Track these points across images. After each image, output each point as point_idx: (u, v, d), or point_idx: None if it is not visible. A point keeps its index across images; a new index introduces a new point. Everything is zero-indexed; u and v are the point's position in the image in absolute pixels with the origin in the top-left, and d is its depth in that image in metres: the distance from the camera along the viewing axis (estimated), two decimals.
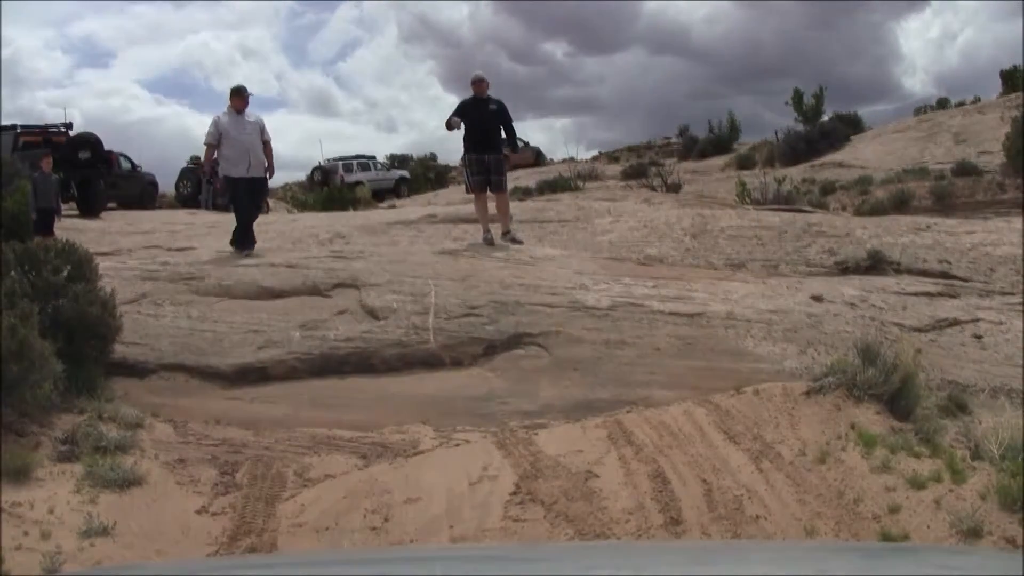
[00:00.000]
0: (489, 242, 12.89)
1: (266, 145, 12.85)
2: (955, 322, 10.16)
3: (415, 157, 61.08)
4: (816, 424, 7.20)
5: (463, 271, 10.90)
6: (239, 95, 12.82)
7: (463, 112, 12.98)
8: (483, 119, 12.97)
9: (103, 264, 12.34)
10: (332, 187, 38.38)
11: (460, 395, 8.69)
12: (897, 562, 2.70)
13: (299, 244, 15.54)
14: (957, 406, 8.17)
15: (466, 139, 13.07)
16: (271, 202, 43.21)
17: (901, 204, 20.36)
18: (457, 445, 7.75)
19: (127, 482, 6.74)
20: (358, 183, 40.88)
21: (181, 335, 9.55)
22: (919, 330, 9.85)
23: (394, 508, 6.47)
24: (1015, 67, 42.69)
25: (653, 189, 26.08)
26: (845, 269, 12.53)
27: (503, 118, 13.14)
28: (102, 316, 8.78)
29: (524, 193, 30.00)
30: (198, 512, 6.66)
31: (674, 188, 26.56)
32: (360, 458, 7.61)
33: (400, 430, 8.16)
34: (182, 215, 25.13)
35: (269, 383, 8.97)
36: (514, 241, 13.00)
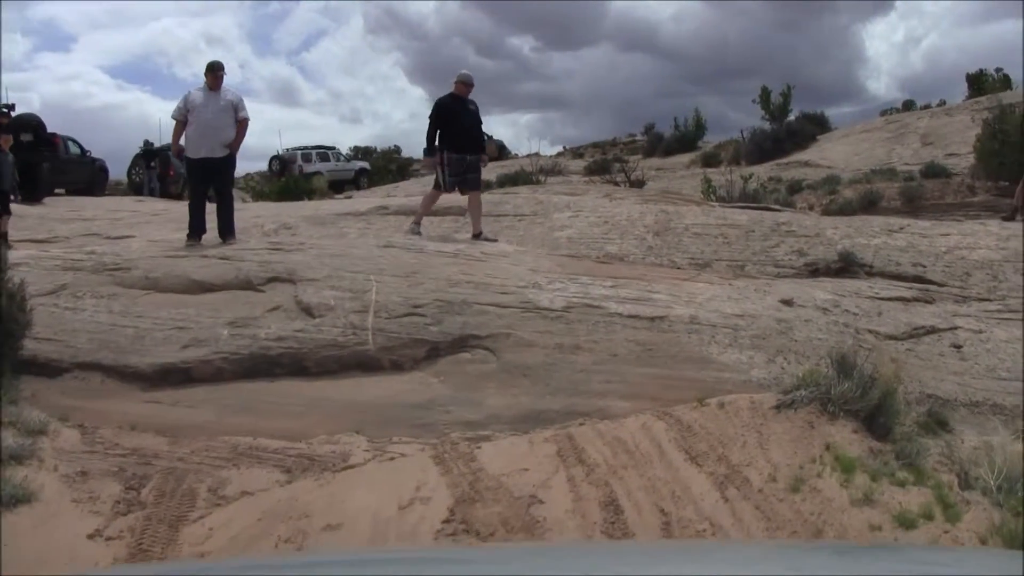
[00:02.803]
0: (416, 232, 12.83)
1: (240, 123, 12.10)
2: (932, 330, 9.51)
3: (378, 149, 60.93)
4: (787, 444, 6.53)
5: (408, 267, 10.15)
6: (212, 71, 12.07)
7: (447, 111, 12.67)
8: (468, 119, 12.76)
9: (25, 252, 11.66)
10: (289, 177, 37.56)
11: (399, 402, 7.96)
12: (901, 564, 2.61)
13: (243, 234, 14.81)
14: (938, 423, 7.51)
15: (447, 138, 12.68)
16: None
17: (870, 204, 19.82)
18: (391, 459, 7.03)
19: (15, 499, 6.02)
20: (317, 173, 40.33)
21: (100, 331, 8.77)
22: (895, 338, 9.19)
23: (311, 536, 5.74)
24: (981, 71, 43.16)
25: (616, 185, 25.41)
26: (815, 271, 11.89)
27: (479, 120, 13.04)
28: (9, 309, 8.02)
29: (484, 187, 29.32)
30: (90, 536, 5.89)
31: (638, 184, 25.93)
32: (284, 472, 6.88)
33: (331, 440, 7.41)
34: (128, 202, 24.38)
35: (193, 385, 8.21)
36: (487, 240, 12.60)
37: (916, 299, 10.67)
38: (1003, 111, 21.01)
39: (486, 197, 19.51)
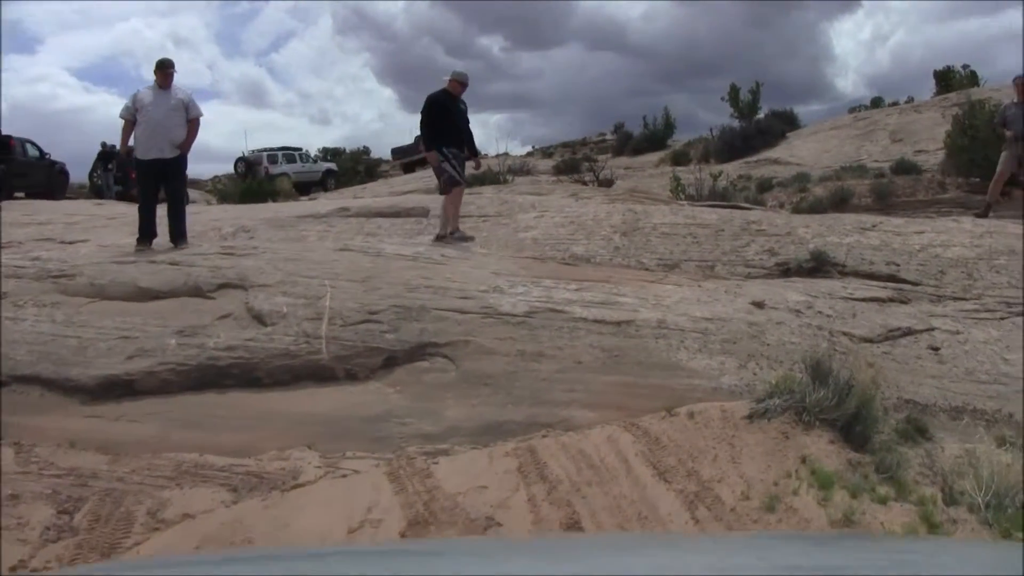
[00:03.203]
0: (462, 237, 12.50)
1: (192, 122, 11.69)
2: (909, 331, 9.19)
3: (347, 150, 60.71)
4: (761, 457, 6.17)
5: (365, 271, 9.76)
6: (161, 69, 11.68)
7: (441, 107, 12.45)
8: (458, 118, 12.62)
9: None
10: (255, 179, 37.09)
11: (354, 414, 7.55)
12: (902, 558, 2.58)
13: (200, 238, 14.39)
14: (917, 430, 7.15)
15: (443, 135, 12.48)
16: (198, 193, 42.39)
17: (841, 202, 19.53)
18: (344, 476, 6.62)
19: None
20: (283, 175, 39.97)
21: (41, 342, 8.32)
22: (870, 340, 8.87)
23: None
24: (949, 68, 43.25)
25: (584, 184, 25.05)
26: (787, 271, 11.54)
27: (467, 120, 12.96)
28: None
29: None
30: (13, 569, 5.46)
31: (606, 183, 25.58)
32: (230, 492, 6.46)
33: (281, 456, 7.00)
34: (87, 206, 23.80)
35: (138, 398, 7.77)
36: (463, 239, 12.41)
37: (891, 299, 10.35)
38: (973, 107, 20.74)
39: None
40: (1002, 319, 9.89)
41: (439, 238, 12.27)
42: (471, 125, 13.04)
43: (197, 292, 9.37)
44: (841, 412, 6.50)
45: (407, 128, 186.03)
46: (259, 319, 8.70)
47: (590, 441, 6.71)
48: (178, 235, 11.65)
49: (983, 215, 14.87)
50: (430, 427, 7.30)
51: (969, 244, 12.27)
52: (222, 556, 3.98)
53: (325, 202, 20.97)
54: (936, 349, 8.80)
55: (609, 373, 7.84)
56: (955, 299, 10.64)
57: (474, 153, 13.41)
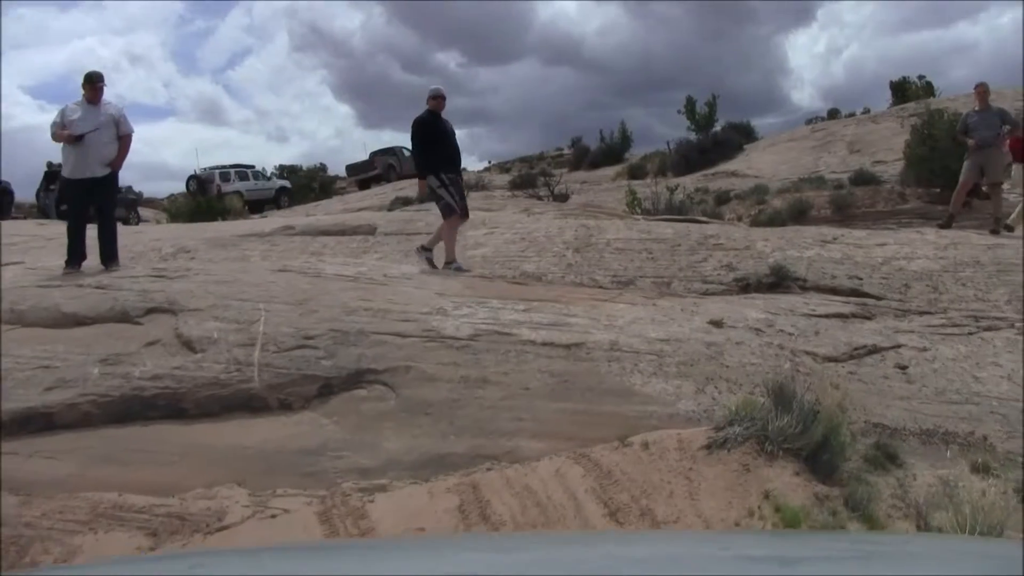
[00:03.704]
0: (458, 268, 11.56)
1: (123, 139, 11.04)
2: (874, 349, 8.74)
3: (304, 167, 60.27)
4: (721, 492, 5.68)
5: (301, 293, 9.21)
6: (90, 83, 11.01)
7: (432, 129, 11.73)
8: (449, 137, 11.89)
9: None
10: (205, 197, 36.40)
11: (286, 447, 6.99)
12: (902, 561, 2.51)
13: (137, 259, 13.80)
14: (887, 456, 6.67)
15: (438, 159, 11.71)
16: (151, 212, 41.69)
17: (800, 214, 19.19)
18: (273, 516, 6.08)
19: None
20: (236, 193, 39.40)
21: None
22: (835, 360, 8.41)
23: None
24: (904, 78, 43.38)
25: (539, 199, 24.59)
26: (746, 286, 11.10)
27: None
28: None
29: (404, 203, 28.64)
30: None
31: (561, 198, 25.13)
32: (148, 536, 5.92)
33: (208, 494, 6.43)
34: (29, 226, 23.11)
35: (56, 433, 7.17)
36: (455, 268, 11.58)
37: (855, 315, 9.92)
38: (932, 116, 20.47)
39: (396, 214, 18.70)
40: (971, 334, 9.47)
41: (420, 248, 11.65)
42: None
43: (124, 317, 8.79)
44: (806, 440, 6.04)
45: (365, 144, 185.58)
46: (188, 346, 8.14)
47: (537, 475, 6.22)
48: (109, 257, 11.05)
49: (946, 226, 14.50)
50: (367, 461, 6.77)
51: (933, 256, 11.88)
52: (222, 554, 3.88)
53: (270, 220, 20.40)
54: (904, 368, 8.36)
55: (558, 400, 7.33)
56: (921, 313, 10.24)
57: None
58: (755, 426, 6.15)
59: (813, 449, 6.04)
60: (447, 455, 6.75)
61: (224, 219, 27.61)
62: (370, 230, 14.92)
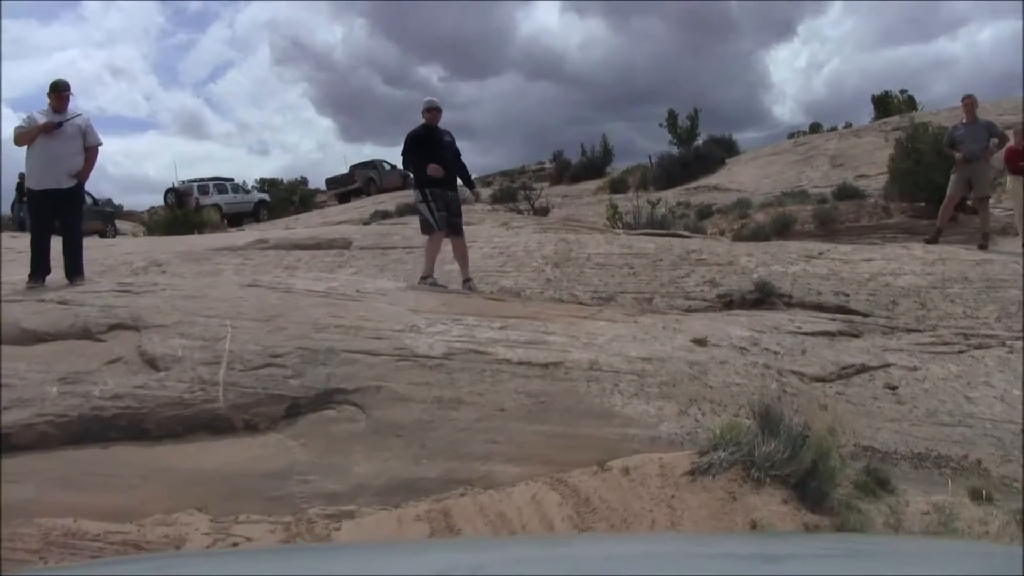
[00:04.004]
0: (434, 284, 11.11)
1: (90, 150, 10.65)
2: (863, 368, 8.46)
3: (285, 181, 59.97)
4: (705, 521, 5.39)
5: (270, 309, 8.87)
6: (56, 91, 10.61)
7: (422, 142, 11.29)
8: (443, 151, 11.36)
9: None
10: (182, 210, 35.99)
11: (251, 470, 6.66)
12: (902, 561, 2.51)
13: (108, 273, 13.45)
14: (877, 482, 6.37)
15: (423, 172, 11.26)
16: (129, 225, 41.26)
17: (783, 228, 18.88)
18: (234, 544, 5.76)
19: None
20: (214, 206, 39.02)
21: None
22: (823, 380, 8.12)
23: None
24: (886, 92, 43.27)
25: (520, 213, 24.29)
26: (729, 303, 10.81)
27: (456, 152, 11.65)
28: None
29: (383, 217, 28.36)
30: None
31: (542, 211, 24.83)
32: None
33: (167, 520, 6.10)
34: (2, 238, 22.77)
35: (12, 455, 6.78)
36: (472, 289, 11.12)
37: (842, 333, 9.64)
38: (916, 130, 20.23)
39: (372, 228, 18.37)
40: (961, 353, 9.20)
41: (465, 282, 11.29)
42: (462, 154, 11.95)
43: (86, 334, 8.43)
44: (795, 467, 5.74)
45: (345, 158, 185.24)
46: (152, 363, 7.80)
47: (512, 502, 5.94)
48: (74, 271, 10.67)
49: (933, 241, 14.24)
50: (335, 485, 6.46)
51: (921, 272, 11.62)
52: (223, 552, 4.08)
53: (243, 234, 20.04)
54: (893, 388, 8.07)
55: (535, 422, 7.02)
56: (909, 331, 9.98)
57: (468, 184, 12.24)
58: (741, 451, 5.85)
59: (802, 476, 5.74)
60: (418, 480, 6.46)
61: (201, 232, 27.27)
62: (345, 244, 14.59)
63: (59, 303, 9.21)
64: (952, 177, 14.45)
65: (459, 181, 11.71)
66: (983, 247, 13.57)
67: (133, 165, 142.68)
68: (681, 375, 7.76)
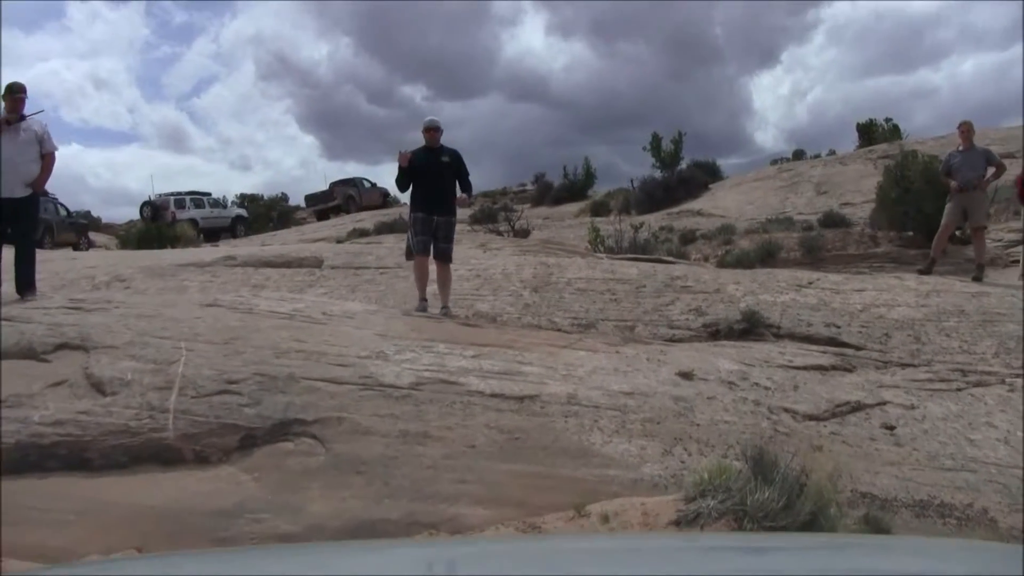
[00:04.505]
0: (424, 310, 10.53)
1: (46, 158, 10.09)
2: (858, 406, 7.96)
3: (266, 197, 59.80)
4: None
5: (229, 331, 8.32)
6: (10, 93, 10.06)
7: (412, 164, 10.76)
8: (435, 172, 10.77)
9: None
10: (156, 223, 35.41)
11: (199, 507, 6.13)
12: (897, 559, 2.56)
13: (69, 287, 12.89)
14: (878, 532, 5.85)
15: (414, 195, 10.85)
16: (106, 238, 40.67)
17: (768, 256, 18.40)
18: None
19: None
20: (191, 220, 38.48)
21: None
22: (816, 418, 7.61)
23: None
24: (871, 120, 43.28)
25: (499, 234, 23.78)
26: (716, 333, 10.30)
27: (458, 170, 10.99)
28: None
29: (361, 234, 27.90)
30: None
31: (522, 233, 24.32)
32: None
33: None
34: None
35: None
36: (447, 316, 10.50)
37: (835, 367, 9.14)
38: (905, 158, 19.81)
39: (345, 247, 17.81)
40: (959, 390, 8.72)
41: (442, 309, 10.68)
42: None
43: (30, 354, 7.91)
44: (791, 518, 5.21)
45: (325, 175, 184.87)
46: (98, 387, 7.27)
47: None
48: (25, 285, 10.09)
49: (926, 271, 13.77)
50: (288, 525, 5.91)
51: (915, 304, 11.14)
52: (224, 552, 4.00)
53: (211, 250, 19.45)
54: (891, 428, 7.56)
55: (508, 460, 6.48)
56: (903, 366, 9.49)
57: (465, 190, 11.37)
58: (731, 499, 5.34)
59: (799, 528, 5.22)
60: (379, 521, 5.92)
61: (174, 247, 26.72)
62: (316, 263, 14.05)
63: (5, 320, 8.64)
64: (947, 206, 13.96)
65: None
66: (978, 279, 13.11)
67: (114, 177, 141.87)
68: (666, 411, 7.23)
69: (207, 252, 17.60)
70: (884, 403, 8.12)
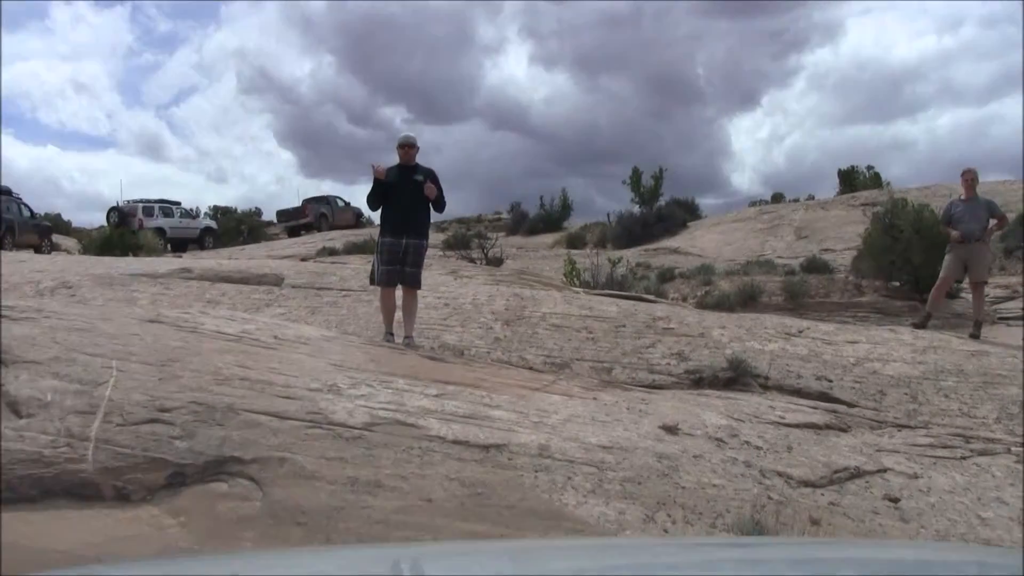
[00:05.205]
0: (389, 342, 9.82)
1: None
2: (858, 473, 7.20)
3: (239, 210, 59.52)
4: None
5: (168, 351, 7.49)
6: None
7: (382, 185, 9.98)
8: (408, 191, 9.93)
9: None
10: (118, 230, 34.56)
11: (113, 552, 5.27)
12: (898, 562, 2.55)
13: (8, 292, 12.03)
14: None
15: (384, 216, 10.08)
16: (72, 242, 39.77)
17: (749, 299, 17.70)
18: None
19: None
20: (158, 229, 37.81)
21: None
22: (812, 485, 6.84)
23: None
24: (853, 167, 43.34)
25: (472, 261, 23.02)
26: (699, 380, 9.56)
27: (433, 191, 10.13)
28: None
29: (330, 253, 27.14)
30: None
31: (495, 262, 23.57)
32: None
33: None
34: None
35: None
36: (410, 347, 9.73)
37: (829, 426, 8.40)
38: (895, 205, 19.19)
39: (310, 266, 16.99)
40: (963, 459, 7.99)
41: (404, 339, 9.94)
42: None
43: None
44: None
45: (298, 191, 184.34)
46: (13, 408, 6.39)
47: None
48: None
49: (921, 325, 13.09)
50: None
51: (911, 360, 10.45)
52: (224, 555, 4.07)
53: (167, 260, 18.59)
54: (895, 501, 6.81)
55: (468, 519, 5.67)
56: (899, 427, 8.78)
57: (438, 209, 10.43)
58: None
59: None
60: None
61: (136, 255, 25.91)
62: (276, 280, 13.24)
63: None
64: (946, 258, 13.25)
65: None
66: (975, 336, 12.43)
67: (88, 182, 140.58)
68: (648, 470, 6.45)
69: (162, 263, 16.74)
70: (885, 470, 7.38)
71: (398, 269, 9.84)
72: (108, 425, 6.19)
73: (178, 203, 43.94)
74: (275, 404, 6.67)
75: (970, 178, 13.34)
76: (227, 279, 13.36)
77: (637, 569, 2.31)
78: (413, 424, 6.60)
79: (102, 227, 44.55)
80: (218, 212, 55.93)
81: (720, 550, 3.03)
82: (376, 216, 11.45)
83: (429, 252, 10.98)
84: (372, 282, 10.20)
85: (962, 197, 13.44)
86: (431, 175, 10.09)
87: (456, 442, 6.41)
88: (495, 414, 7.04)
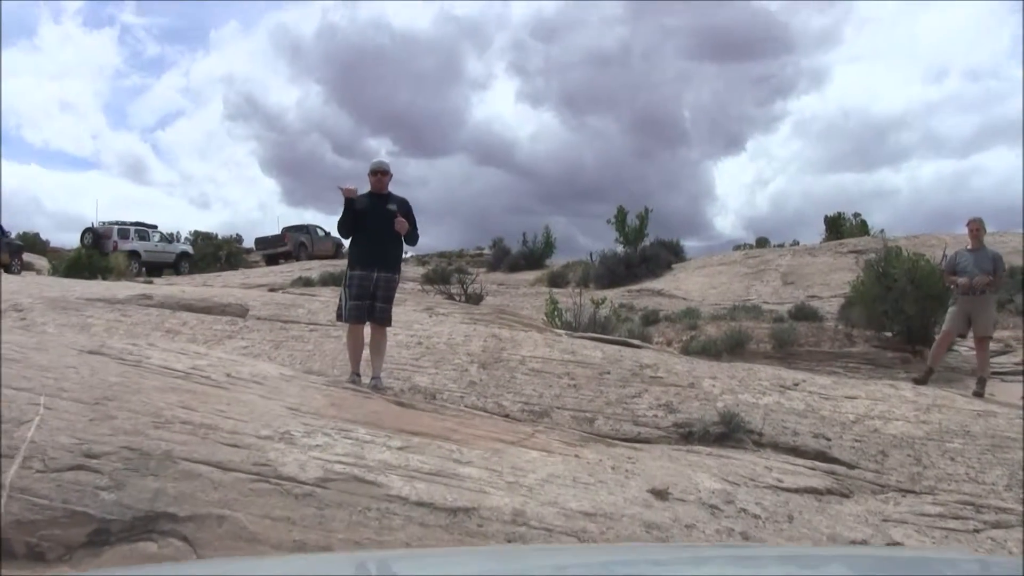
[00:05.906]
0: (355, 383, 9.10)
1: None
2: (865, 547, 6.50)
3: (220, 236, 59.01)
4: None
5: (105, 387, 6.75)
6: None
7: (356, 213, 9.33)
8: (380, 220, 9.25)
9: None
10: (87, 251, 33.77)
11: None
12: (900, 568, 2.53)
13: None
14: None
15: (353, 247, 9.49)
16: (44, 261, 39.01)
17: (737, 345, 17.04)
18: None
19: None
20: (132, 252, 37.17)
21: None
22: None
23: None
24: (839, 214, 43.07)
25: (451, 297, 22.31)
26: (688, 435, 8.87)
27: (405, 221, 9.43)
28: None
29: (306, 284, 26.43)
30: None
31: (475, 298, 22.85)
32: None
33: None
34: None
35: None
36: (377, 389, 9.03)
37: (830, 491, 7.71)
38: (889, 253, 18.57)
39: (278, 297, 16.23)
40: (976, 531, 7.31)
41: (371, 379, 9.22)
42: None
43: None
44: None
45: (279, 219, 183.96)
46: None
47: None
48: None
49: (922, 381, 12.42)
50: None
51: (914, 419, 9.77)
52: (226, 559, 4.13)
53: (126, 286, 17.79)
54: None
55: None
56: (903, 491, 8.11)
57: (411, 243, 9.77)
58: None
59: None
60: None
61: (105, 278, 25.20)
62: (241, 311, 12.52)
63: None
64: (950, 311, 12.59)
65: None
66: (979, 394, 11.78)
67: (69, 202, 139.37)
68: (635, 541, 5.74)
69: (122, 287, 15.96)
70: (894, 544, 6.69)
71: (367, 304, 9.14)
72: (27, 471, 5.50)
73: (155, 227, 43.37)
74: (218, 453, 5.94)
75: (976, 228, 12.68)
76: (189, 308, 12.62)
77: (623, 567, 2.31)
78: (372, 481, 5.87)
79: (80, 248, 43.92)
80: (199, 237, 55.30)
81: (711, 549, 3.31)
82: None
83: (405, 287, 10.28)
84: (339, 318, 9.46)
85: (968, 248, 12.82)
86: (404, 205, 9.39)
87: (420, 503, 5.69)
88: (465, 471, 6.31)
